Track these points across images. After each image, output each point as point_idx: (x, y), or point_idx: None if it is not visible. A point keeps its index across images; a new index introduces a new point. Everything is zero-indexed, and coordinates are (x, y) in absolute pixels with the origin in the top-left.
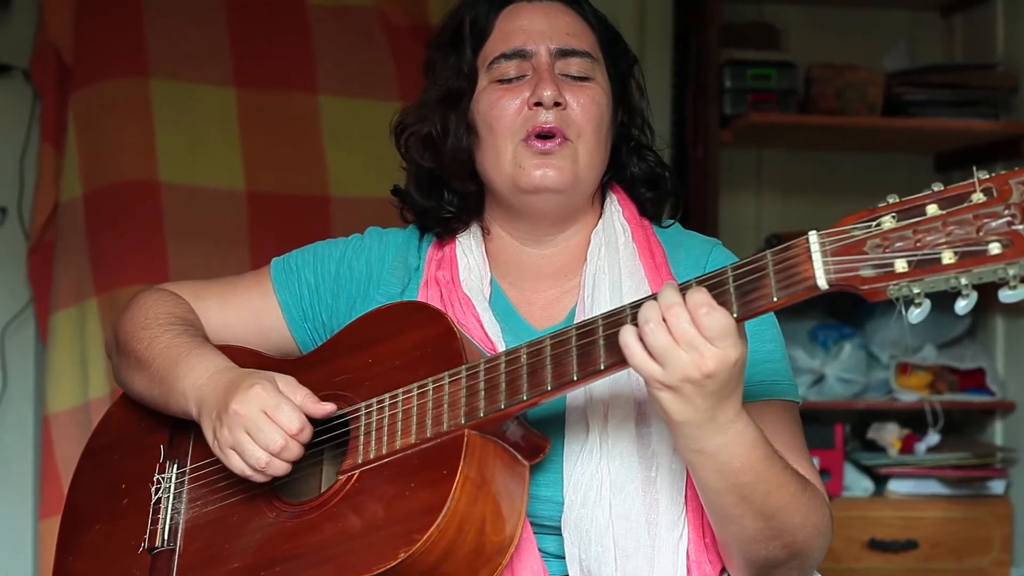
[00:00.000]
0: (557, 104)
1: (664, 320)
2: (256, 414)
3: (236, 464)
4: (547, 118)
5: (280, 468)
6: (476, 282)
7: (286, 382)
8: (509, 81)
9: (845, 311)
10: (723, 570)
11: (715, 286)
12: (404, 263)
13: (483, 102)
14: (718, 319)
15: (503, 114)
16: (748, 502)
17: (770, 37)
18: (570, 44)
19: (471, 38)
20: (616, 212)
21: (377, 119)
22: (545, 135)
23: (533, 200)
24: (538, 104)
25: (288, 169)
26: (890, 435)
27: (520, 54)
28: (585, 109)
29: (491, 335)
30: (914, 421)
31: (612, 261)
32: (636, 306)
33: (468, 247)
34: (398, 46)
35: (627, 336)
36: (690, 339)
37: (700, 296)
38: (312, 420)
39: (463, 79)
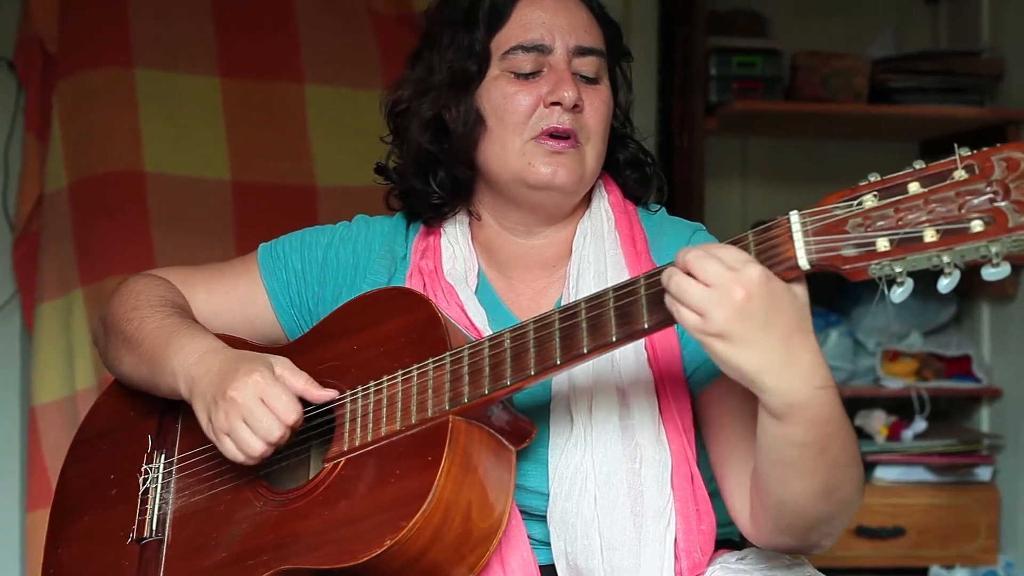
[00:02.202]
0: (574, 107)
1: (689, 275)
2: (253, 401)
3: (229, 449)
4: (563, 119)
5: (268, 452)
6: (461, 272)
7: (284, 365)
8: (525, 76)
9: (831, 298)
10: (713, 558)
11: None
12: (391, 252)
13: (495, 93)
14: (726, 246)
15: (517, 109)
16: (826, 454)
17: (756, 25)
18: (587, 42)
19: (487, 20)
20: (603, 199)
21: (363, 108)
22: (559, 135)
23: (537, 196)
24: (555, 104)
25: (274, 158)
26: (877, 422)
27: (539, 48)
28: (597, 112)
29: (476, 323)
30: (901, 408)
31: (598, 250)
32: (619, 289)
33: (454, 236)
34: (383, 35)
35: (668, 296)
36: (715, 274)
37: (703, 244)
38: (303, 404)
39: (474, 62)
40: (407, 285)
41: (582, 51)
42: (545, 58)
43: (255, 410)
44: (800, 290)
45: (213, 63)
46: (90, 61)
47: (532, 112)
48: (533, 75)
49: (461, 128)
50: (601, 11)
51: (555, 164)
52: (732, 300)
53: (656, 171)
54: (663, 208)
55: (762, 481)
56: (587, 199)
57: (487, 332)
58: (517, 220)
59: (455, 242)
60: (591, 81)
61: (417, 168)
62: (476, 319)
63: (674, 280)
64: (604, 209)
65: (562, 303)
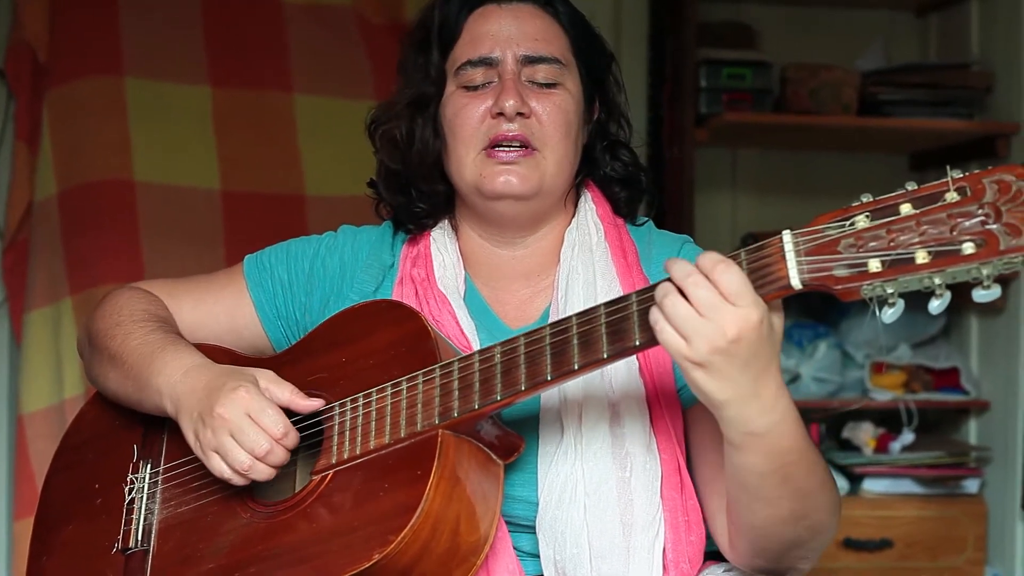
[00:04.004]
0: (520, 114)
1: (682, 293)
2: (241, 417)
3: (217, 467)
4: (510, 127)
5: (263, 472)
6: (451, 280)
7: (269, 378)
8: (475, 88)
9: (820, 310)
10: (701, 569)
11: None
12: (378, 260)
13: (449, 108)
14: (735, 273)
15: (466, 122)
16: (790, 482)
17: (745, 37)
18: (538, 50)
19: (440, 40)
20: (590, 210)
21: (353, 118)
22: (509, 144)
23: (497, 206)
24: (500, 114)
25: (264, 168)
26: (865, 434)
27: (486, 62)
28: (551, 117)
29: (467, 333)
30: (889, 420)
31: (586, 261)
32: (610, 305)
33: (443, 245)
34: (374, 45)
35: (655, 313)
36: (709, 304)
37: (711, 255)
38: (291, 416)
39: (431, 83)
40: (396, 292)
41: (532, 60)
42: (494, 70)
43: (242, 425)
44: (778, 321)
45: (203, 72)
46: (81, 70)
47: (481, 123)
48: (484, 86)
49: (419, 145)
50: (570, 17)
51: (506, 173)
52: (723, 336)
53: (648, 186)
54: (650, 221)
55: (732, 505)
56: (572, 208)
57: (476, 341)
58: (493, 232)
59: (444, 250)
60: (546, 86)
61: (387, 185)
62: (466, 328)
63: (668, 299)
64: (592, 220)
65: (551, 313)
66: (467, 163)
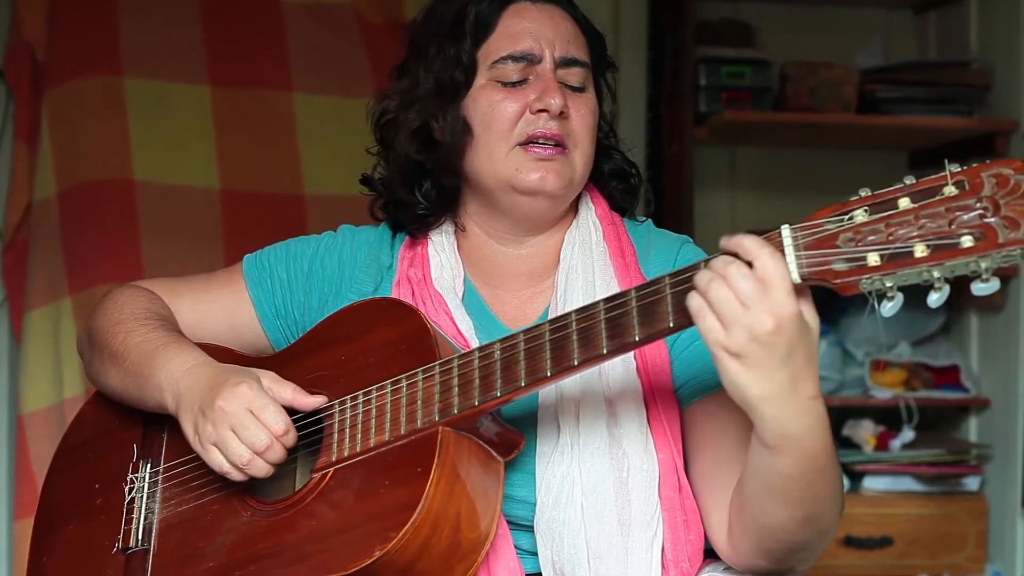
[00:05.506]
0: (560, 113)
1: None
2: (242, 412)
3: (216, 460)
4: (550, 126)
5: (261, 468)
6: (448, 280)
7: (271, 378)
8: (512, 84)
9: (820, 307)
10: (701, 568)
11: (688, 279)
12: (376, 261)
13: (482, 101)
14: (780, 261)
15: (503, 116)
16: (813, 487)
17: (745, 35)
18: (572, 53)
19: (473, 31)
20: (590, 211)
21: (352, 117)
22: (544, 141)
23: (526, 202)
24: (542, 111)
25: (263, 167)
26: (865, 432)
27: (527, 58)
28: (583, 120)
29: (464, 332)
30: (889, 418)
31: (586, 260)
32: (609, 301)
33: (440, 245)
34: (373, 44)
35: (696, 298)
36: (750, 293)
37: (751, 240)
38: (292, 414)
39: (462, 72)
40: (394, 294)
41: (567, 62)
42: (532, 67)
43: (243, 419)
44: (814, 320)
45: (202, 72)
46: (80, 69)
47: (518, 119)
48: (519, 83)
49: (449, 137)
50: (586, 21)
51: (543, 170)
52: (762, 326)
53: (641, 182)
54: (649, 220)
55: (747, 504)
56: (574, 209)
57: (475, 341)
58: (504, 229)
59: (441, 251)
60: (577, 89)
61: (404, 178)
62: (464, 328)
63: (714, 285)
64: (592, 220)
65: (550, 312)
66: (500, 157)
